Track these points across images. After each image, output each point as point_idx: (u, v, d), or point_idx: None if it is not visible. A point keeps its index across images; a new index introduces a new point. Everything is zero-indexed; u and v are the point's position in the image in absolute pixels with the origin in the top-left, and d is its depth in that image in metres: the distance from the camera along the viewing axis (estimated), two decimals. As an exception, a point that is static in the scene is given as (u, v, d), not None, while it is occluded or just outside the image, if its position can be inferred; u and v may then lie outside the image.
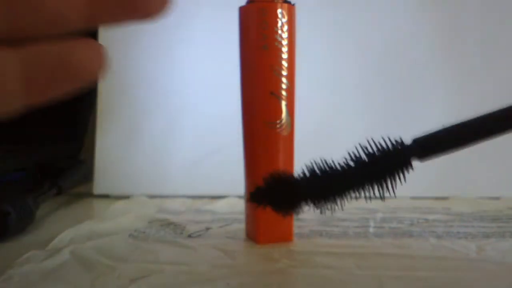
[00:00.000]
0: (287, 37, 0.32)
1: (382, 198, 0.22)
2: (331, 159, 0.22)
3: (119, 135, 0.53)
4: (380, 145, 0.21)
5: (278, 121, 0.33)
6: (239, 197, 0.45)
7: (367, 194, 0.22)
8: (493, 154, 0.49)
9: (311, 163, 0.21)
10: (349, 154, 0.21)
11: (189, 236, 0.36)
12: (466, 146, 0.22)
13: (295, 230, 0.35)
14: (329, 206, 0.21)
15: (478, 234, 0.35)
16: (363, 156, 0.21)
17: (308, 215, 0.41)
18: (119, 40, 0.52)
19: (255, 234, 0.34)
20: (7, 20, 0.17)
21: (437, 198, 0.47)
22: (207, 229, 0.37)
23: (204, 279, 0.28)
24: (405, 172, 0.22)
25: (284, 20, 0.32)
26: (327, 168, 0.21)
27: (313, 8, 0.48)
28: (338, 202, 0.22)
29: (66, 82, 0.17)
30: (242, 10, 0.33)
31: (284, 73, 0.32)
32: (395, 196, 0.21)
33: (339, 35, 0.50)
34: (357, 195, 0.22)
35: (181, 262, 0.30)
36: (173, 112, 0.52)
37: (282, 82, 0.32)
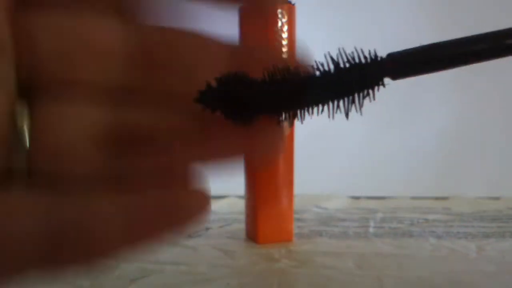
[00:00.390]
0: (287, 37, 0.32)
1: (347, 114, 0.20)
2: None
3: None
4: (352, 56, 0.19)
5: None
6: (239, 197, 0.45)
7: (332, 108, 0.20)
8: (493, 154, 0.49)
9: (273, 69, 0.18)
10: (316, 63, 0.19)
11: (189, 236, 0.36)
12: (444, 68, 0.21)
13: (295, 230, 0.35)
14: (288, 117, 0.19)
15: (478, 234, 0.35)
16: (332, 66, 0.19)
17: (308, 215, 0.41)
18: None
19: (255, 234, 0.34)
20: (118, 166, 0.16)
21: (437, 198, 0.47)
22: (207, 229, 0.37)
23: (204, 279, 0.28)
24: (376, 89, 0.20)
25: (284, 20, 0.32)
26: (291, 75, 0.19)
27: (313, 8, 0.48)
28: (299, 114, 0.19)
29: (167, 230, 0.17)
30: (242, 10, 0.33)
31: (284, 73, 0.32)
32: (361, 114, 0.20)
33: (339, 35, 0.50)
34: (322, 108, 0.19)
35: (181, 262, 0.30)
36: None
37: (282, 82, 0.32)
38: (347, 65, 0.19)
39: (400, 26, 0.50)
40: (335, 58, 0.19)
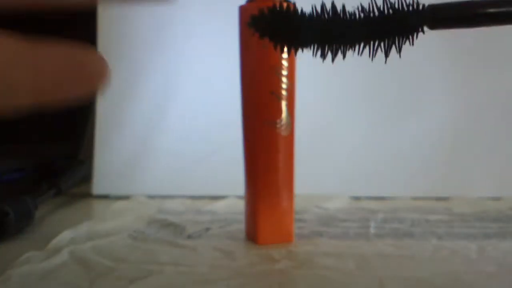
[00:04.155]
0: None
1: (386, 55, 0.21)
2: (342, 5, 0.21)
3: (119, 135, 0.53)
4: (394, 3, 0.21)
5: (278, 121, 0.33)
6: (239, 197, 0.45)
7: (372, 48, 0.21)
8: (494, 155, 0.49)
9: (321, 5, 0.20)
10: (361, 5, 0.21)
11: (189, 236, 0.36)
12: (478, 25, 0.22)
13: (296, 230, 0.35)
14: (329, 52, 0.21)
15: (479, 235, 0.35)
16: (375, 10, 0.21)
17: (308, 216, 0.41)
18: (117, 39, 0.53)
19: (255, 234, 0.34)
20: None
21: (438, 199, 0.47)
22: (207, 229, 0.37)
23: (204, 279, 0.28)
24: (414, 36, 0.22)
25: (285, 19, 0.32)
26: (336, 13, 0.20)
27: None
28: (340, 51, 0.21)
29: (74, 84, 0.17)
30: (242, 9, 0.33)
31: (284, 72, 0.32)
32: (399, 56, 0.21)
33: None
34: (362, 47, 0.21)
35: (180, 263, 0.30)
36: (174, 112, 0.52)
37: (282, 82, 0.32)
38: (391, 11, 0.20)
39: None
40: (379, 4, 0.20)
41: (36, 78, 0.16)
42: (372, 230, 0.37)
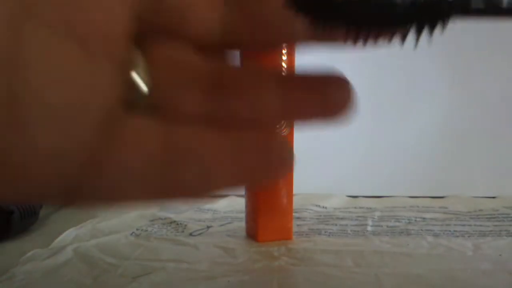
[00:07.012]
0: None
1: (416, 43, 0.21)
2: None
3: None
4: None
5: (277, 121, 0.33)
6: (239, 196, 0.45)
7: (402, 35, 0.22)
8: (490, 154, 0.50)
9: None
10: None
11: (191, 234, 0.36)
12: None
13: (295, 228, 0.35)
14: (360, 38, 0.21)
15: (474, 233, 0.36)
16: None
17: (307, 214, 0.41)
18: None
19: (255, 232, 0.34)
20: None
21: (434, 197, 0.47)
22: (208, 227, 0.38)
23: (205, 276, 0.28)
24: (445, 24, 0.22)
25: (284, 22, 0.32)
26: None
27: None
28: (370, 37, 0.21)
29: (263, 170, 0.17)
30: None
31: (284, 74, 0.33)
32: (428, 46, 0.22)
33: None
34: (393, 34, 0.21)
35: (182, 260, 0.31)
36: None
37: (281, 83, 0.33)
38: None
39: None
40: None
41: (233, 166, 0.16)
42: (369, 228, 0.37)
